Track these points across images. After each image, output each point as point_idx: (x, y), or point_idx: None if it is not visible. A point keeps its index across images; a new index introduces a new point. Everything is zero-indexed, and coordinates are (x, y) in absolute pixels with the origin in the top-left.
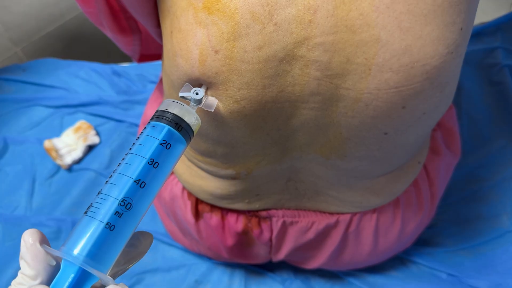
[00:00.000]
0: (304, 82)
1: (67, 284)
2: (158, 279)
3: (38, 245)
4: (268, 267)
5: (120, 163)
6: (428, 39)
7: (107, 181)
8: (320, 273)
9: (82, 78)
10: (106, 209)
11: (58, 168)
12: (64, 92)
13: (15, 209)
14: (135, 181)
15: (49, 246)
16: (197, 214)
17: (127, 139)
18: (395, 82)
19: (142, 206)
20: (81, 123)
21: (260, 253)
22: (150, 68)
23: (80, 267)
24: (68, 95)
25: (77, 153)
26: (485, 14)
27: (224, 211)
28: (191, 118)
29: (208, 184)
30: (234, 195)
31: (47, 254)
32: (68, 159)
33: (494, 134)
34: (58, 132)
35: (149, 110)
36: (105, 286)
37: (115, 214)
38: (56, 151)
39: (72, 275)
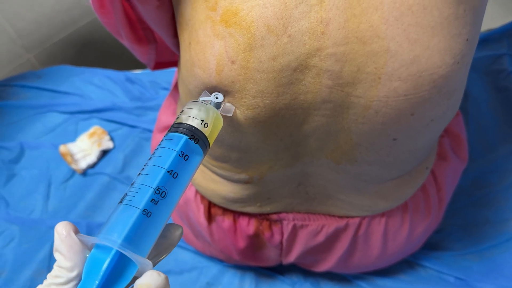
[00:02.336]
0: (316, 90)
1: (104, 267)
2: (171, 281)
3: (73, 235)
4: (278, 270)
5: (150, 157)
6: (435, 49)
7: (140, 173)
8: (330, 276)
9: (96, 84)
10: (142, 196)
11: (73, 172)
12: (79, 99)
13: (31, 212)
14: (168, 171)
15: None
16: (209, 217)
17: (140, 144)
18: (404, 90)
19: (175, 196)
20: (96, 128)
21: (271, 256)
22: (162, 75)
23: (117, 251)
24: (82, 101)
25: (92, 157)
26: (493, 20)
27: (236, 214)
28: (214, 115)
29: (221, 188)
30: (246, 199)
31: (83, 245)
32: (82, 164)
33: (501, 139)
34: (73, 137)
35: (162, 116)
36: (139, 276)
37: (151, 201)
38: (71, 155)
39: (108, 260)
